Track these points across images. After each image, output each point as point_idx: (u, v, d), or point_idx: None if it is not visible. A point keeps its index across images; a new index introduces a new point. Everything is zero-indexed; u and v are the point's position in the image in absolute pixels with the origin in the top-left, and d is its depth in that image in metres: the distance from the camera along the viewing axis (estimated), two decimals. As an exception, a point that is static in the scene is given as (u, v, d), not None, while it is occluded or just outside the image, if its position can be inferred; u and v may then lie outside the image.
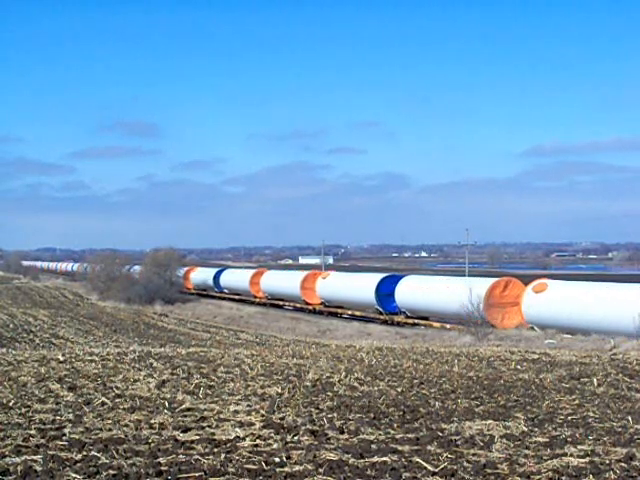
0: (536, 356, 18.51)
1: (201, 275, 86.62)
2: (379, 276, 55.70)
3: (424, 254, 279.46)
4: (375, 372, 14.21)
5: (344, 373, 13.60)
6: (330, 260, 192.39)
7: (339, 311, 57.99)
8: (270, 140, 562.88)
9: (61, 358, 15.69)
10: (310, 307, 61.41)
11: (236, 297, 75.76)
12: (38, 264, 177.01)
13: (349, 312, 56.74)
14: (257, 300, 70.86)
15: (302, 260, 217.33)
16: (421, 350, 21.11)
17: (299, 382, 12.25)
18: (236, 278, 78.18)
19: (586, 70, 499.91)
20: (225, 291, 79.02)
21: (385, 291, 51.83)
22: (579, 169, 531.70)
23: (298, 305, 63.59)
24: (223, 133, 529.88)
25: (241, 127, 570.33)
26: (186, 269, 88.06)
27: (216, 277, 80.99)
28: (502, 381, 13.30)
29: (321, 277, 61.27)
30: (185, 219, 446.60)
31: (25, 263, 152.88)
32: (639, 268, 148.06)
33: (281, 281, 68.58)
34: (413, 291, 49.79)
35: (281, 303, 67.10)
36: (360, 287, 55.16)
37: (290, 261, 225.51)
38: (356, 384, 12.26)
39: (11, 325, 41.90)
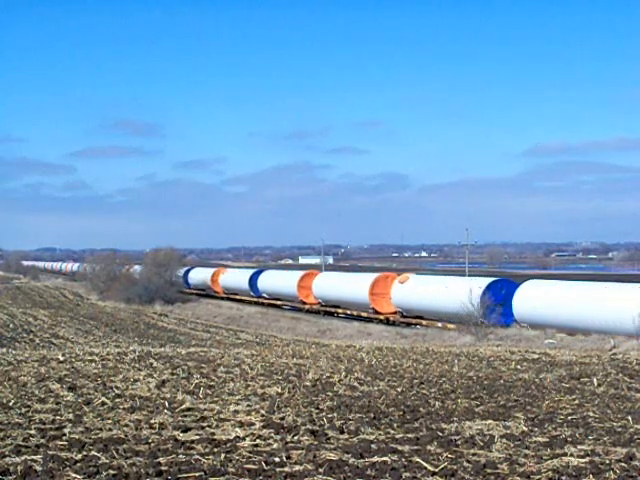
0: (536, 356, 18.51)
1: (232, 277, 79.46)
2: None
3: (424, 254, 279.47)
4: (375, 372, 14.21)
5: (344, 373, 13.61)
6: (330, 260, 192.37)
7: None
8: (271, 140, 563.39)
9: (61, 358, 15.70)
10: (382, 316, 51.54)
11: (277, 303, 67.30)
12: (41, 264, 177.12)
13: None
14: (307, 307, 61.29)
15: (302, 260, 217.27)
16: (421, 350, 21.12)
17: (299, 382, 12.26)
18: (278, 281, 69.10)
19: (588, 69, 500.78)
20: (264, 295, 70.51)
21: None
22: (580, 169, 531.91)
23: (365, 314, 52.84)
24: (224, 133, 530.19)
25: (242, 126, 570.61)
26: (213, 271, 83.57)
27: (253, 280, 72.62)
28: (502, 381, 13.31)
29: (398, 281, 50.91)
30: (185, 219, 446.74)
31: (25, 263, 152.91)
32: (639, 268, 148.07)
33: (339, 286, 58.11)
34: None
35: (340, 311, 57.19)
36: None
37: (290, 261, 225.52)
38: (356, 384, 12.26)
39: (11, 325, 41.91)
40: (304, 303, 61.62)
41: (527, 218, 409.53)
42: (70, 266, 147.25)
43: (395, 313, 50.17)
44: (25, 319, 46.66)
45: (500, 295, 41.86)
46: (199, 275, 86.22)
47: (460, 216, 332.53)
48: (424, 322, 46.13)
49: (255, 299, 71.13)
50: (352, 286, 54.83)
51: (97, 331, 41.83)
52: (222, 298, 77.25)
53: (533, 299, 39.97)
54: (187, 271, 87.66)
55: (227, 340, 38.85)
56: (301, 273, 65.35)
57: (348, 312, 54.93)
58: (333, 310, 57.36)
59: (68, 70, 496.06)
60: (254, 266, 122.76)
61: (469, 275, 65.50)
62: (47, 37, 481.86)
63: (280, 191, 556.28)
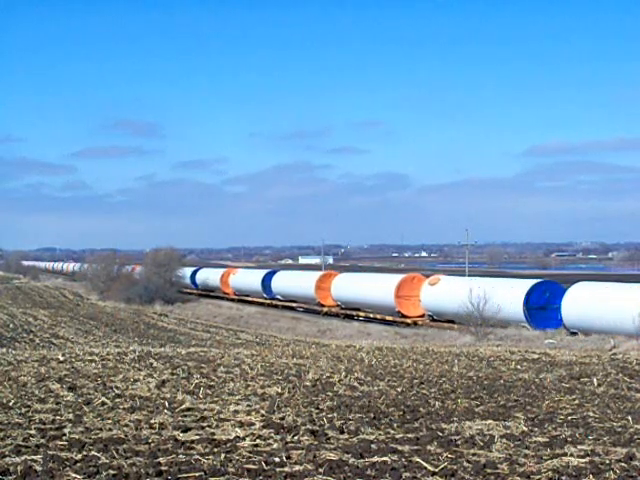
0: (536, 356, 18.51)
1: (243, 278, 75.68)
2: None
3: (424, 254, 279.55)
4: (375, 372, 14.21)
5: (344, 373, 13.61)
6: (330, 260, 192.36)
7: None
8: (271, 140, 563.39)
9: (61, 358, 15.69)
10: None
11: (293, 305, 63.69)
12: (43, 265, 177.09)
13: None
14: (325, 310, 57.79)
15: (302, 260, 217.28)
16: (421, 350, 21.12)
17: (299, 382, 12.26)
18: (294, 282, 65.04)
19: (588, 69, 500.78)
20: (278, 297, 66.92)
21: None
22: (580, 169, 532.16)
23: (389, 318, 49.72)
24: (224, 133, 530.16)
25: (242, 126, 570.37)
26: (223, 272, 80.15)
27: (266, 281, 69.04)
28: (502, 381, 13.31)
29: (429, 283, 48.33)
30: (185, 219, 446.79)
31: (25, 263, 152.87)
32: (639, 268, 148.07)
33: (361, 288, 54.37)
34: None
35: (361, 314, 53.68)
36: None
37: (290, 261, 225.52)
38: (356, 384, 12.26)
39: (11, 325, 41.90)
40: (322, 305, 58.35)
41: (527, 218, 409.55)
42: (72, 266, 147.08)
43: (422, 316, 47.20)
44: (25, 319, 46.66)
45: (543, 298, 39.98)
46: (207, 276, 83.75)
47: (460, 216, 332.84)
48: (456, 327, 41.73)
49: (268, 301, 67.65)
50: (376, 288, 51.68)
51: (97, 331, 41.83)
52: (232, 300, 73.98)
53: (585, 302, 36.90)
54: (195, 272, 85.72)
55: (227, 340, 38.84)
56: (319, 273, 62.32)
57: (371, 315, 51.61)
58: (354, 313, 53.89)
59: (68, 70, 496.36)
60: (254, 266, 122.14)
61: (469, 275, 65.23)
62: (47, 37, 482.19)
63: (280, 191, 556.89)
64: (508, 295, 40.23)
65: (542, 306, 39.59)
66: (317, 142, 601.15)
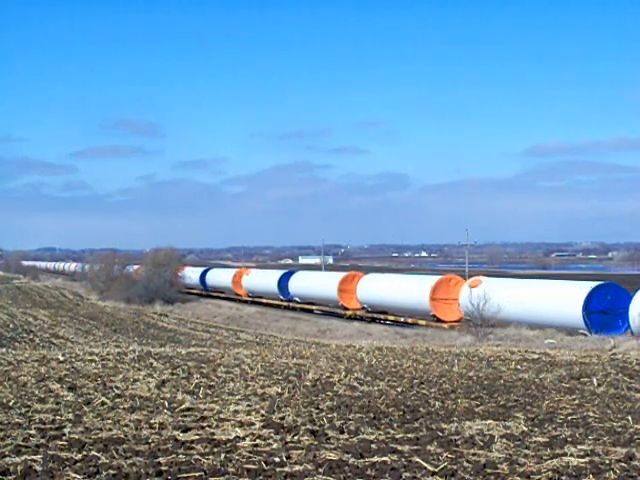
0: (536, 356, 18.51)
1: (258, 279, 71.60)
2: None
3: (424, 254, 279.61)
4: (375, 372, 14.21)
5: (344, 373, 13.61)
6: (330, 260, 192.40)
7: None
8: (272, 139, 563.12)
9: (61, 358, 15.69)
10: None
11: (312, 307, 59.95)
12: (44, 265, 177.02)
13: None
14: (349, 313, 54.50)
15: (302, 260, 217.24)
16: (421, 350, 21.12)
17: (299, 382, 12.26)
18: (315, 284, 61.40)
19: (588, 69, 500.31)
20: (296, 299, 63.29)
21: None
22: (580, 169, 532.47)
23: (423, 322, 46.61)
24: (224, 132, 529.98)
25: (243, 126, 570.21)
26: (235, 272, 76.43)
27: (283, 282, 65.21)
28: (502, 381, 13.31)
29: (469, 285, 45.03)
30: (185, 219, 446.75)
31: (25, 263, 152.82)
32: (639, 268, 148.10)
33: (390, 290, 50.83)
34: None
35: (390, 318, 50.22)
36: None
37: (290, 261, 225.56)
38: (356, 384, 12.26)
39: (11, 325, 41.89)
40: (345, 308, 54.89)
41: (527, 218, 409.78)
42: (73, 266, 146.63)
43: (459, 321, 43.69)
44: (25, 319, 46.65)
45: (605, 302, 36.89)
46: (218, 276, 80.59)
47: (460, 216, 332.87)
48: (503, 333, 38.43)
49: (285, 303, 64.10)
50: (408, 290, 48.54)
51: (97, 331, 41.82)
52: (245, 302, 70.52)
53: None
54: (204, 272, 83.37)
55: (227, 340, 38.84)
56: (342, 274, 58.42)
57: (401, 319, 48.12)
58: (382, 317, 50.71)
59: (68, 70, 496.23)
60: (254, 266, 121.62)
61: (469, 275, 64.95)
62: (47, 37, 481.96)
63: (280, 191, 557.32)
64: (564, 299, 37.63)
65: (604, 311, 36.82)
66: (317, 142, 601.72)
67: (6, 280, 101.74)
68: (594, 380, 13.50)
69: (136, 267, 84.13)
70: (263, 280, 69.99)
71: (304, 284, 62.48)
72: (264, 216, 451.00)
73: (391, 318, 49.59)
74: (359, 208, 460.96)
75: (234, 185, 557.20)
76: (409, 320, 47.13)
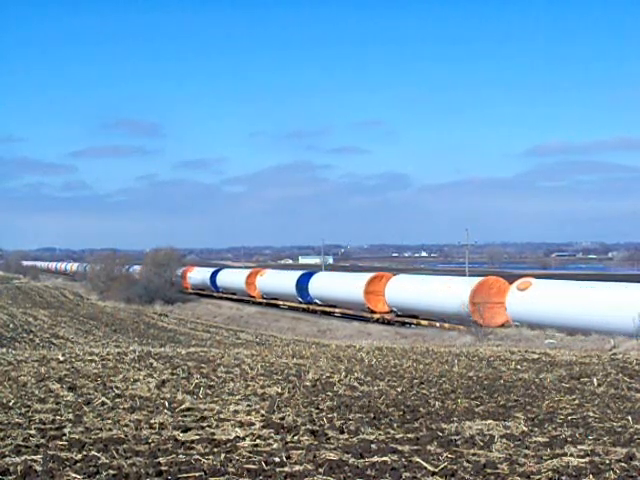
0: (536, 356, 18.51)
1: (274, 280, 68.01)
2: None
3: (424, 254, 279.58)
4: (375, 372, 14.21)
5: (344, 373, 13.60)
6: (330, 260, 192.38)
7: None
8: (272, 139, 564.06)
9: (61, 358, 15.69)
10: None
11: (334, 310, 56.58)
12: (46, 265, 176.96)
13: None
14: (376, 316, 51.40)
15: (302, 260, 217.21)
16: (421, 350, 21.11)
17: (299, 382, 12.25)
18: (338, 285, 57.40)
19: (589, 69, 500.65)
20: (316, 302, 59.75)
21: None
22: (581, 169, 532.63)
23: (461, 327, 41.56)
24: (225, 132, 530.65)
25: (243, 126, 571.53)
26: (249, 273, 72.60)
27: (302, 283, 61.74)
28: (502, 381, 13.31)
29: (517, 288, 42.21)
30: (185, 219, 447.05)
31: (25, 263, 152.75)
32: (639, 268, 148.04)
33: (424, 292, 47.53)
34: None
35: (423, 322, 46.97)
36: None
37: (290, 261, 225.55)
38: (356, 384, 12.26)
39: (11, 325, 41.90)
40: (372, 311, 51.76)
41: (527, 218, 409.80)
42: (76, 266, 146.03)
43: (503, 325, 41.00)
44: (25, 319, 46.65)
45: None
46: (230, 277, 77.31)
47: (460, 216, 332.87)
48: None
49: (304, 305, 60.72)
50: (444, 293, 45.28)
51: (97, 331, 41.83)
52: (260, 304, 67.53)
53: None
54: (215, 272, 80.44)
55: (227, 340, 38.84)
56: (369, 275, 54.93)
57: (437, 324, 44.78)
58: (414, 321, 47.66)
59: (68, 70, 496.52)
60: (254, 266, 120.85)
61: (469, 275, 64.64)
62: (48, 37, 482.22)
63: (280, 191, 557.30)
64: (619, 303, 35.18)
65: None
66: (317, 142, 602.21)
67: (6, 280, 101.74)
68: (594, 380, 13.49)
69: (140, 267, 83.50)
70: (280, 281, 66.20)
71: (326, 285, 58.99)
72: (264, 216, 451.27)
73: (424, 323, 46.44)
74: (359, 208, 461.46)
75: (234, 185, 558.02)
76: (446, 325, 43.56)
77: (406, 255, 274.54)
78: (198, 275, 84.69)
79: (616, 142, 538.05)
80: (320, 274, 63.42)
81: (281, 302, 64.86)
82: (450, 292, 44.82)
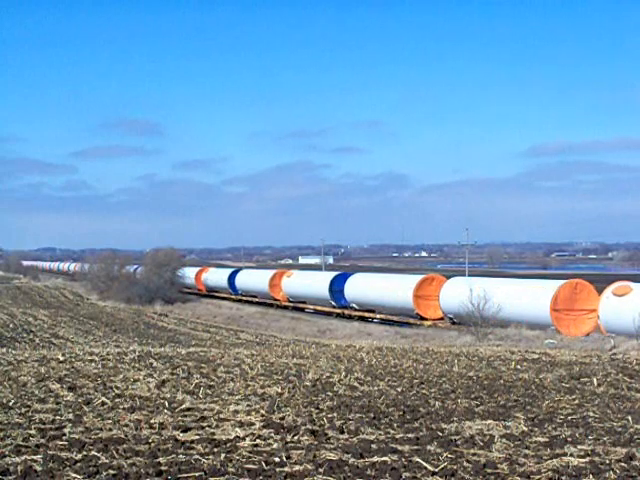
0: (536, 356, 18.51)
1: (302, 282, 62.71)
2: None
3: (424, 254, 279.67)
4: (375, 372, 14.21)
5: (344, 373, 13.60)
6: (330, 260, 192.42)
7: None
8: (272, 139, 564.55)
9: (61, 358, 15.69)
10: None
11: (374, 316, 51.37)
12: (47, 265, 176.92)
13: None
14: (428, 323, 45.78)
15: (302, 260, 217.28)
16: (421, 350, 21.11)
17: (299, 382, 12.25)
18: (379, 288, 51.96)
19: (589, 69, 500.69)
20: (353, 306, 54.39)
21: None
22: (581, 169, 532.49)
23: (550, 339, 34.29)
24: (225, 132, 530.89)
25: (243, 126, 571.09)
26: (273, 274, 67.30)
27: (335, 284, 56.67)
28: (502, 381, 13.31)
29: (612, 293, 36.88)
30: (185, 219, 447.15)
31: (25, 263, 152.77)
32: (639, 268, 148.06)
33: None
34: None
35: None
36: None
37: (290, 261, 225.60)
38: (356, 384, 12.26)
39: (11, 325, 41.88)
40: (422, 318, 46.28)
41: (527, 218, 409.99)
42: (78, 266, 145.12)
43: (588, 334, 36.63)
44: (25, 319, 46.64)
45: None
46: (252, 279, 72.00)
47: (460, 216, 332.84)
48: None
49: (338, 310, 55.33)
50: (522, 299, 40.19)
51: (97, 331, 41.81)
52: (285, 307, 62.59)
53: None
54: (233, 274, 75.60)
55: (227, 340, 38.83)
56: (418, 277, 49.78)
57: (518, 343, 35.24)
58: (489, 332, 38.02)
59: (69, 70, 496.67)
60: (254, 266, 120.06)
61: (469, 275, 64.31)
62: (48, 37, 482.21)
63: (281, 191, 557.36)
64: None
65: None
66: (318, 142, 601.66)
67: (6, 280, 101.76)
68: (594, 380, 13.49)
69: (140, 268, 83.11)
70: (310, 283, 60.70)
71: (366, 288, 53.11)
72: (264, 216, 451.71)
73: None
74: (359, 208, 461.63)
75: (234, 185, 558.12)
76: (530, 332, 37.23)
77: (406, 255, 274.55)
78: (214, 276, 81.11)
79: (616, 142, 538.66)
80: (358, 275, 57.74)
81: (311, 306, 59.55)
82: (526, 298, 39.94)
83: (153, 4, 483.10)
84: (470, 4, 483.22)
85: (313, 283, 60.03)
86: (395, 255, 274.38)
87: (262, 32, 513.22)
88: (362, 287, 53.69)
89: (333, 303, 56.64)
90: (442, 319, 45.58)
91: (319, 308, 57.99)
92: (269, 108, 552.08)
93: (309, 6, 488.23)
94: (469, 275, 62.82)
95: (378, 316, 50.91)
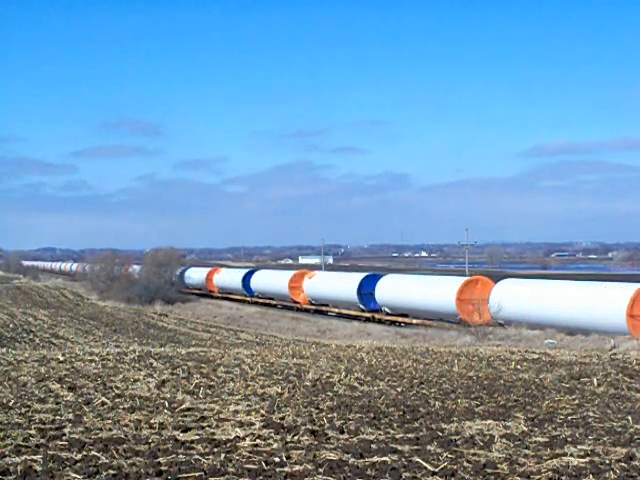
0: (536, 356, 18.51)
1: (326, 283, 58.72)
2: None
3: (424, 254, 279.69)
4: (375, 372, 14.21)
5: (344, 373, 13.60)
6: (330, 260, 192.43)
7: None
8: (273, 139, 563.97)
9: (61, 358, 15.69)
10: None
11: (410, 321, 47.48)
12: (49, 265, 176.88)
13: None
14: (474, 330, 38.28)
15: (302, 260, 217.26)
16: (421, 350, 21.11)
17: (299, 382, 12.25)
18: (415, 291, 48.04)
19: (590, 69, 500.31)
20: (385, 310, 50.32)
21: None
22: (581, 169, 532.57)
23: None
24: (225, 132, 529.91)
25: (244, 126, 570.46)
26: (292, 275, 62.99)
27: (366, 287, 52.45)
28: (502, 381, 13.31)
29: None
30: (185, 219, 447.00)
31: (25, 263, 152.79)
32: (639, 268, 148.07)
33: (551, 302, 38.10)
34: None
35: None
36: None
37: (290, 261, 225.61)
38: (356, 384, 12.26)
39: (11, 325, 41.89)
40: (467, 324, 39.50)
41: (527, 218, 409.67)
42: (81, 266, 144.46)
43: None
44: (25, 319, 46.65)
45: None
46: (269, 280, 67.91)
47: (460, 216, 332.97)
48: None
49: (367, 314, 51.41)
50: (584, 303, 36.25)
51: (97, 331, 41.82)
52: (307, 311, 58.34)
53: None
54: (248, 275, 71.40)
55: (227, 340, 38.84)
56: (462, 279, 46.22)
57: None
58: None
59: (69, 69, 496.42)
60: (254, 266, 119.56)
61: (469, 275, 64.13)
62: (48, 37, 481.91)
63: (281, 191, 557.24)
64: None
65: None
66: (318, 142, 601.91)
67: (6, 280, 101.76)
68: (594, 380, 13.49)
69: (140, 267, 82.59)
70: (335, 285, 56.74)
71: (399, 291, 49.30)
72: (264, 216, 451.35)
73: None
74: (359, 208, 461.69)
75: (235, 185, 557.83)
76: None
77: (406, 255, 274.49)
78: (227, 277, 77.33)
79: (617, 142, 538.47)
80: (390, 276, 53.98)
81: (336, 310, 55.58)
82: (603, 298, 35.94)
83: (153, 4, 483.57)
84: (470, 4, 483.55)
85: (339, 285, 55.91)
86: (395, 255, 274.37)
87: (262, 32, 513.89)
88: (395, 290, 49.65)
89: (362, 306, 52.56)
90: (489, 324, 39.37)
91: (344, 312, 54.03)
92: (269, 108, 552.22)
93: (309, 6, 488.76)
94: (468, 275, 62.42)
95: (414, 321, 46.76)
